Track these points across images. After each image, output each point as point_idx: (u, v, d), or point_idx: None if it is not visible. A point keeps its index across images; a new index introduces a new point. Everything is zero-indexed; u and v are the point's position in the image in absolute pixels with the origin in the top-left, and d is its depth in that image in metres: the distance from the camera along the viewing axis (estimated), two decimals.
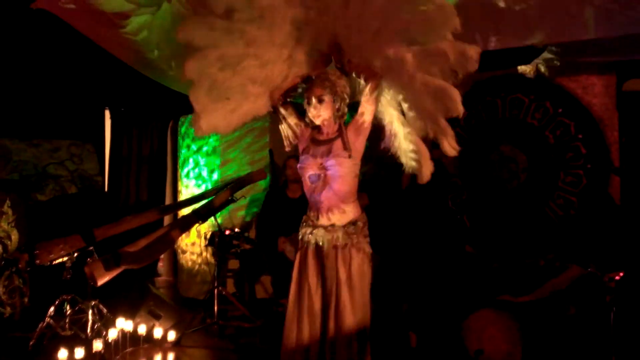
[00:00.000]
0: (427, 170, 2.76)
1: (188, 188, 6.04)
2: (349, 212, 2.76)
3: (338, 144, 2.75)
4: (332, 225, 2.75)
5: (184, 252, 6.03)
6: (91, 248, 4.25)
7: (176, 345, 4.27)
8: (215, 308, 4.68)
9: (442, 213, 4.72)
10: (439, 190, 4.57)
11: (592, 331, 3.16)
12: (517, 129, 4.86)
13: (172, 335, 4.28)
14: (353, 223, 2.75)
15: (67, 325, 4.28)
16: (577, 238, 3.94)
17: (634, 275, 3.03)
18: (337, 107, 2.76)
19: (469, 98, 5.11)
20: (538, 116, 4.77)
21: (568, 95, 4.66)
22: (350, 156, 2.69)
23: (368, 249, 2.76)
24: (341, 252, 2.71)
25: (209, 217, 4.55)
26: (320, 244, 2.75)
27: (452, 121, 5.04)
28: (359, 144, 2.74)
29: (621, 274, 2.88)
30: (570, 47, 4.14)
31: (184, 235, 5.55)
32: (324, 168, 2.72)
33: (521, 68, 4.75)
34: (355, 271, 2.69)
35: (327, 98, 2.73)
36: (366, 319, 2.70)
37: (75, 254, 4.29)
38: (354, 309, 2.64)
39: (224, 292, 4.83)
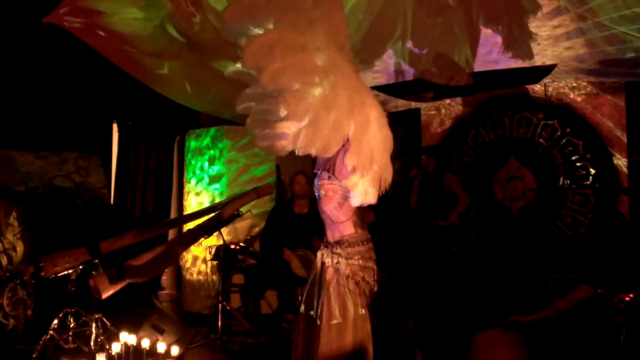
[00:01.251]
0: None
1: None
2: (338, 231, 2.74)
3: (333, 162, 2.65)
4: (329, 244, 2.74)
5: (188, 266, 6.02)
6: (96, 261, 4.23)
7: None
8: (219, 323, 4.65)
9: (449, 233, 4.70)
10: (445, 209, 4.56)
11: (602, 353, 3.11)
12: (525, 147, 4.85)
13: (175, 350, 4.23)
14: (337, 242, 2.72)
15: (70, 338, 4.25)
16: (587, 258, 3.90)
17: None
18: None
19: (475, 117, 5.13)
20: (546, 135, 4.77)
21: (576, 114, 4.66)
22: (329, 177, 2.64)
23: (346, 270, 2.65)
24: (326, 272, 2.69)
25: (215, 231, 4.53)
26: (322, 262, 2.74)
27: (459, 138, 5.12)
28: (344, 170, 2.59)
29: (631, 295, 2.84)
30: (580, 66, 4.15)
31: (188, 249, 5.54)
32: (316, 187, 2.72)
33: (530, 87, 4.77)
34: (330, 292, 2.65)
35: None
36: (344, 343, 2.63)
37: (80, 267, 4.28)
38: (327, 332, 2.60)
39: (228, 307, 4.80)
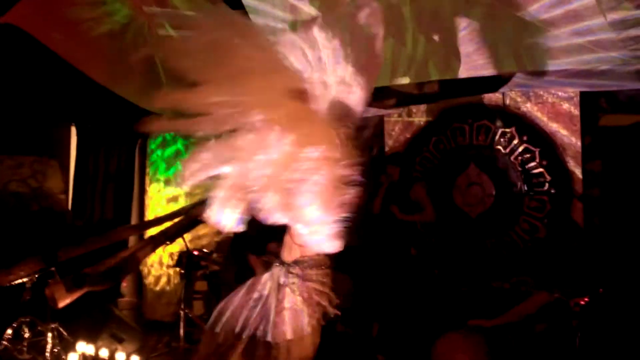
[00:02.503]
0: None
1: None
2: (299, 251, 2.76)
3: None
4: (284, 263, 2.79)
5: (148, 273, 5.91)
6: (52, 269, 4.12)
7: None
8: (182, 331, 4.59)
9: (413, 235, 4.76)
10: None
11: (559, 355, 3.21)
12: (484, 155, 4.97)
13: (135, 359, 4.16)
14: (296, 262, 2.74)
15: (25, 349, 4.12)
16: (543, 262, 4.03)
17: (599, 300, 3.10)
18: None
19: (437, 125, 5.23)
20: (504, 143, 4.89)
21: (533, 123, 4.80)
22: None
23: (303, 292, 2.72)
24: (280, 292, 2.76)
25: (177, 237, 4.47)
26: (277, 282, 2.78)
27: (421, 144, 5.20)
28: None
29: (586, 299, 2.94)
30: (536, 76, 4.28)
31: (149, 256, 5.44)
32: None
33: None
34: (285, 311, 2.69)
35: None
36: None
37: (36, 275, 4.16)
38: (283, 351, 2.63)
39: (190, 315, 4.73)
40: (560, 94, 4.66)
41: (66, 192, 6.35)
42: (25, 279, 4.11)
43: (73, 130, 6.65)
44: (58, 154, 6.31)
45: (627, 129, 4.32)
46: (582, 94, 4.56)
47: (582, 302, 2.97)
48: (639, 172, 4.16)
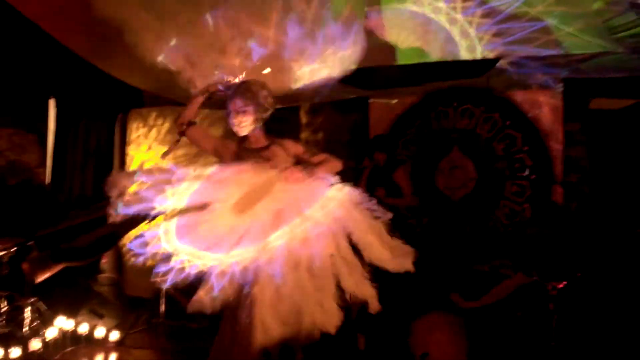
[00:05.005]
0: None
1: None
2: None
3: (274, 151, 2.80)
4: None
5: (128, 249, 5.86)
6: (31, 243, 4.07)
7: (119, 345, 4.14)
8: (162, 307, 4.58)
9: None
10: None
11: (535, 337, 3.29)
12: (467, 138, 5.01)
13: (115, 335, 4.15)
14: None
15: (2, 322, 4.08)
16: (522, 246, 4.10)
17: (575, 284, 3.18)
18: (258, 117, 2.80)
19: (421, 108, 5.24)
20: (487, 127, 4.93)
21: (516, 108, 4.84)
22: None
23: None
24: None
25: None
26: None
27: (405, 127, 5.21)
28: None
29: (564, 283, 3.01)
30: (520, 61, 4.30)
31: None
32: None
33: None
34: None
35: (249, 109, 2.74)
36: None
37: (13, 249, 4.10)
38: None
39: (170, 291, 4.72)
40: (544, 79, 4.70)
41: (44, 166, 6.24)
42: (2, 253, 4.06)
43: (52, 103, 6.50)
44: (36, 127, 6.17)
45: (618, 112, 4.38)
46: (565, 79, 4.60)
47: (560, 286, 3.04)
48: (628, 154, 4.23)
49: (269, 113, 2.83)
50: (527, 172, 4.77)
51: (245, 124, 2.79)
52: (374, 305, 2.65)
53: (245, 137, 2.87)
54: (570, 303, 3.16)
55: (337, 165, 2.83)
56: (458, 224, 4.98)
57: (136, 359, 4.05)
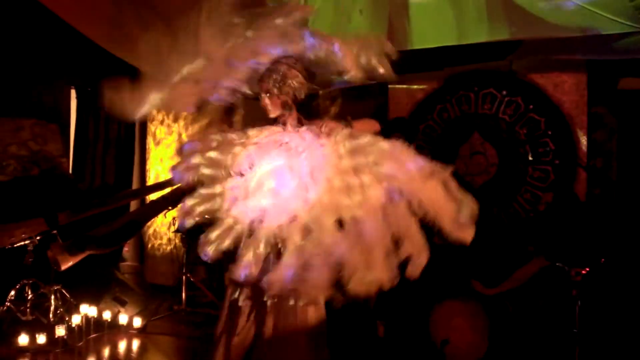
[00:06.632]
0: None
1: None
2: None
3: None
4: None
5: (150, 238, 5.92)
6: (55, 232, 4.13)
7: (142, 332, 4.20)
8: (184, 295, 4.63)
9: None
10: None
11: (557, 324, 3.24)
12: (489, 123, 4.92)
13: (137, 322, 4.22)
14: None
15: (28, 310, 4.17)
16: (545, 233, 4.03)
17: (599, 270, 3.11)
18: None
19: (442, 93, 5.16)
20: (509, 112, 4.84)
21: (539, 92, 4.73)
22: None
23: None
24: None
25: (179, 202, 4.46)
26: None
27: (426, 112, 5.15)
28: None
29: (587, 269, 2.95)
30: (543, 44, 4.20)
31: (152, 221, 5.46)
32: None
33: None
34: None
35: (274, 91, 2.57)
36: None
37: (38, 238, 4.17)
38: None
39: (192, 279, 4.77)
40: (567, 62, 4.58)
41: (66, 156, 6.33)
42: (27, 242, 4.13)
43: (73, 93, 6.58)
44: (58, 117, 6.26)
45: None
46: (588, 62, 4.48)
47: (584, 272, 2.98)
48: None
49: (301, 95, 2.62)
50: (530, 158, 4.68)
51: (273, 107, 2.59)
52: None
53: (277, 121, 2.64)
54: (594, 289, 3.10)
55: (375, 124, 2.72)
56: (479, 210, 4.91)
57: (158, 345, 4.11)
